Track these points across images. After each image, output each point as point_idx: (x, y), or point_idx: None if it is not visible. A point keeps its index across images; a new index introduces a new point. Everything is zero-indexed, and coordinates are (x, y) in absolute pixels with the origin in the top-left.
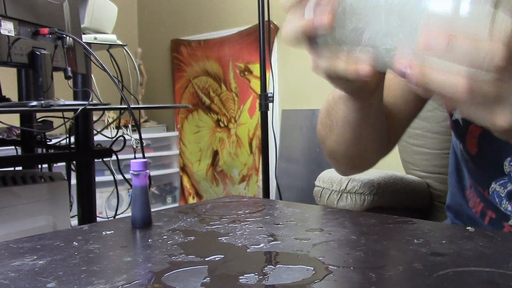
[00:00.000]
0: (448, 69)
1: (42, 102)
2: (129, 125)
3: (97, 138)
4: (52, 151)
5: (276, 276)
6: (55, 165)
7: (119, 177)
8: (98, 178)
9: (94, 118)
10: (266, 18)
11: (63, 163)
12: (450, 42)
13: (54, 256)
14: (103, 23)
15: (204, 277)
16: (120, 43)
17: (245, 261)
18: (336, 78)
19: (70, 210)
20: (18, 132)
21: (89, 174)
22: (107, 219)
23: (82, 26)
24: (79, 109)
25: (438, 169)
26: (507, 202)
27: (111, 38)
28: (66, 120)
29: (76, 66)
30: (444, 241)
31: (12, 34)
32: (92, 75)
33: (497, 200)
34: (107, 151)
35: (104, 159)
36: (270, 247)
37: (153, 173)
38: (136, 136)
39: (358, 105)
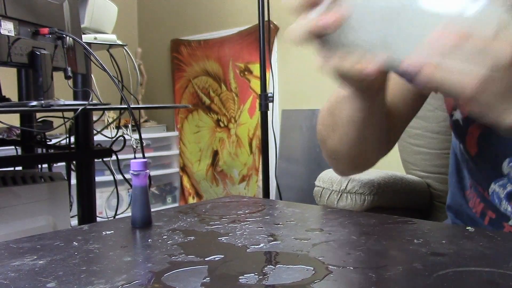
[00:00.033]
0: (458, 69)
1: (42, 102)
2: (129, 125)
3: (97, 138)
4: (52, 151)
5: (276, 276)
6: (55, 165)
7: (119, 177)
8: (98, 178)
9: (94, 118)
10: (266, 18)
11: (63, 163)
12: (459, 42)
13: (54, 256)
14: (103, 23)
15: (204, 277)
16: (120, 43)
17: (245, 261)
18: (343, 77)
19: (70, 210)
20: (18, 132)
21: (89, 174)
22: (107, 219)
23: (82, 26)
24: (79, 109)
25: (438, 169)
26: (506, 203)
27: (111, 38)
28: (66, 120)
29: (76, 66)
30: (444, 241)
31: (12, 34)
32: (92, 75)
33: (496, 201)
34: (107, 151)
35: (104, 159)
36: (270, 247)
37: (153, 173)
38: (136, 136)
39: (363, 104)
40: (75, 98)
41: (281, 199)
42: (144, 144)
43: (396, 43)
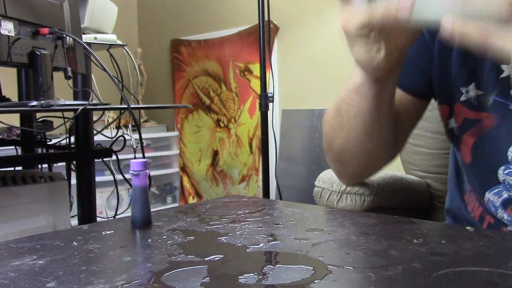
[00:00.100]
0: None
1: (42, 102)
2: (129, 125)
3: (97, 138)
4: (52, 151)
5: (276, 276)
6: (55, 165)
7: (119, 177)
8: (98, 178)
9: (94, 118)
10: (266, 18)
11: (63, 163)
12: None
13: (54, 256)
14: (103, 23)
15: (203, 277)
16: (120, 43)
17: (245, 261)
18: (362, 40)
19: (70, 210)
20: (18, 132)
21: (89, 174)
22: (107, 219)
23: (82, 26)
24: (79, 109)
25: (438, 169)
26: (502, 211)
27: (111, 38)
28: (66, 120)
29: (76, 66)
30: (443, 241)
31: (12, 34)
32: (92, 75)
33: (492, 209)
34: (107, 151)
35: (104, 159)
36: (269, 247)
37: (153, 173)
38: (136, 136)
39: (372, 92)
40: (75, 98)
41: (281, 199)
42: (144, 144)
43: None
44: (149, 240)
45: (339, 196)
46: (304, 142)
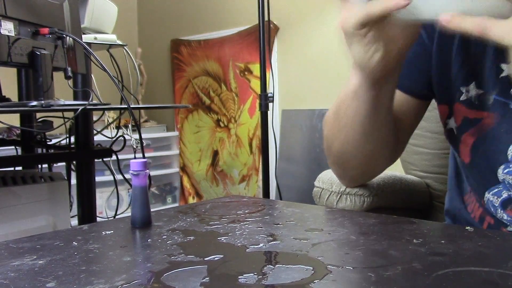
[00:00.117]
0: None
1: (42, 102)
2: (129, 125)
3: (97, 138)
4: (52, 151)
5: (276, 276)
6: (55, 165)
7: (119, 177)
8: (98, 178)
9: (94, 118)
10: (266, 18)
11: (63, 163)
12: None
13: (54, 256)
14: (103, 23)
15: (203, 277)
16: (120, 43)
17: (245, 261)
18: (360, 39)
19: (70, 210)
20: (18, 132)
21: (89, 174)
22: (107, 219)
23: (82, 26)
24: (79, 109)
25: (438, 169)
26: (502, 211)
27: (111, 38)
28: (66, 120)
29: (76, 66)
30: (443, 241)
31: (12, 34)
32: (92, 75)
33: (492, 209)
34: (107, 151)
35: (104, 159)
36: (269, 247)
37: (153, 173)
38: (136, 136)
39: (369, 94)
40: (75, 98)
41: (281, 199)
42: (144, 144)
43: None
44: (149, 240)
45: (338, 196)
46: (304, 142)
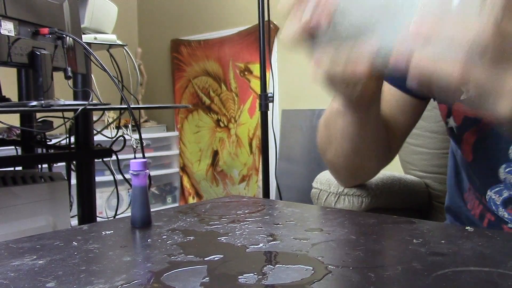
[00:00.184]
0: (442, 57)
1: (42, 102)
2: (129, 125)
3: (97, 138)
4: (52, 151)
5: (275, 276)
6: (55, 165)
7: (119, 177)
8: (98, 178)
9: (94, 118)
10: (266, 18)
11: (63, 163)
12: (439, 28)
13: (54, 256)
14: (103, 23)
15: (203, 277)
16: (120, 43)
17: (245, 261)
18: (335, 83)
19: (70, 210)
20: (18, 132)
21: (89, 174)
22: (107, 219)
23: (82, 26)
24: (79, 109)
25: (437, 169)
26: (503, 210)
27: (111, 38)
28: (66, 120)
29: (76, 66)
30: (443, 241)
31: (12, 34)
32: (92, 75)
33: (493, 207)
34: (107, 151)
35: (104, 159)
36: (269, 247)
37: (153, 173)
38: (136, 136)
39: (354, 117)
40: (75, 98)
41: (281, 199)
42: (144, 144)
43: (383, 38)
44: (149, 240)
45: (336, 197)
46: (304, 142)
